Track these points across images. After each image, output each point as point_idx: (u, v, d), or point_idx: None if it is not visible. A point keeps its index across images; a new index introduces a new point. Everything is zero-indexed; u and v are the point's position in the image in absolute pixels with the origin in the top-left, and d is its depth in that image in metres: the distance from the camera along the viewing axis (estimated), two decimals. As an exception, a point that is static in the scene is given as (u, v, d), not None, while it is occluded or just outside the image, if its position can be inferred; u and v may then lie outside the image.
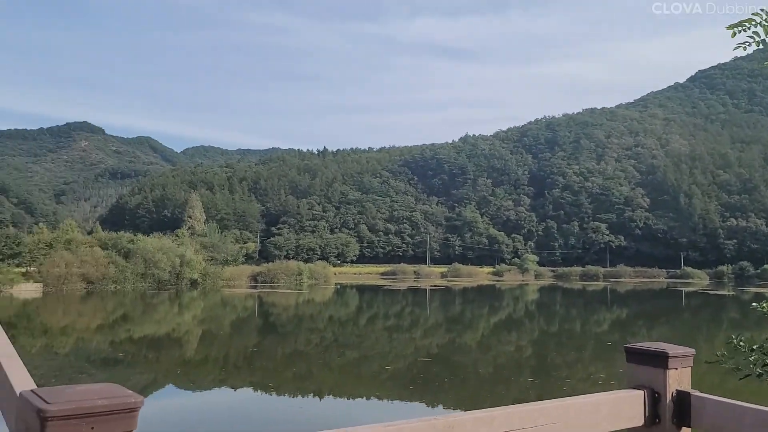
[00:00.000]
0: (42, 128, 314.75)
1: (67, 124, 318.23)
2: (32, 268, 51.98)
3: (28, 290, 48.87)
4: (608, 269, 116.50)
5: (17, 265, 51.84)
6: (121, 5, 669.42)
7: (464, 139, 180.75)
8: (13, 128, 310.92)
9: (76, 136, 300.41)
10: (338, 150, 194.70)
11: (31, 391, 1.03)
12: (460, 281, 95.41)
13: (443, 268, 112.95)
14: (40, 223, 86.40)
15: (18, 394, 1.09)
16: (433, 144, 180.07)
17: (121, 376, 19.82)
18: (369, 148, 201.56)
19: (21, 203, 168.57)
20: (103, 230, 76.92)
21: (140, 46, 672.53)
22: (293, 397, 17.47)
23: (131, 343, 27.57)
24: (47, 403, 0.96)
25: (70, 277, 50.74)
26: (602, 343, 29.33)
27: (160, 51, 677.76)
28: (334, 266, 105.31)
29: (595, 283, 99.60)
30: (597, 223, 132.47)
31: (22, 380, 1.26)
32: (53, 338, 27.48)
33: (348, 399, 17.65)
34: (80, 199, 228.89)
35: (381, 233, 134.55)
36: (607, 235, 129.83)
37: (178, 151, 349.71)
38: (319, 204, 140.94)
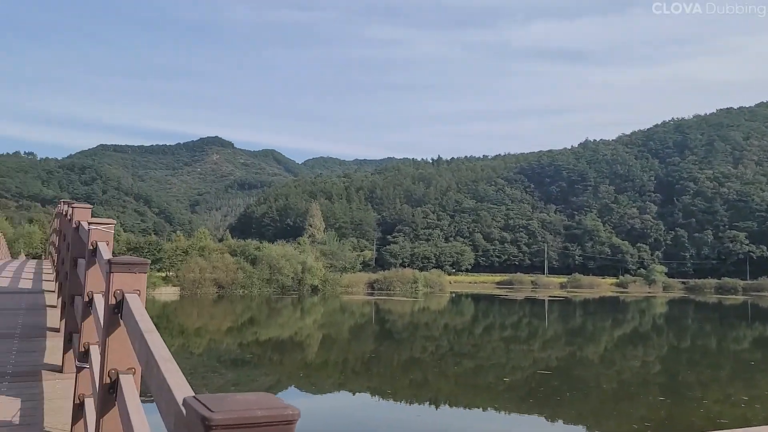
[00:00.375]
0: (179, 143, 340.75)
1: (201, 139, 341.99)
2: (171, 273, 56.12)
3: (167, 293, 52.90)
4: (749, 282, 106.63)
5: (158, 270, 56.20)
6: (244, 28, 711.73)
7: (584, 145, 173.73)
8: (155, 144, 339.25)
9: (208, 150, 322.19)
10: (452, 158, 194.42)
11: (194, 397, 1.05)
12: (581, 292, 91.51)
13: (562, 279, 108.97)
14: (178, 231, 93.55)
15: (182, 399, 1.21)
16: (550, 150, 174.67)
17: (248, 376, 20.95)
18: (483, 155, 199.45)
19: (161, 213, 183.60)
20: (232, 238, 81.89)
21: (262, 64, 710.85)
22: (410, 404, 17.59)
23: (257, 345, 29.03)
24: (211, 411, 0.97)
25: (203, 281, 54.34)
26: (743, 362, 26.95)
27: (281, 68, 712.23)
28: (449, 275, 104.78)
29: (733, 296, 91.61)
30: (735, 232, 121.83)
31: (179, 384, 1.40)
32: (189, 338, 29.51)
33: (465, 409, 17.50)
34: (212, 208, 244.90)
35: (496, 242, 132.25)
36: (747, 245, 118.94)
37: (300, 163, 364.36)
38: (433, 212, 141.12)
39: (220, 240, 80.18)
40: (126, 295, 2.32)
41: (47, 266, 16.42)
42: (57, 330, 6.69)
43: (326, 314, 47.69)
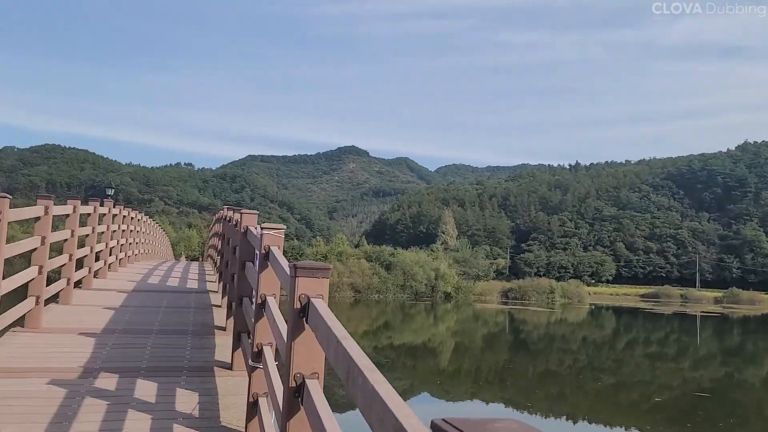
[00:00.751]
0: (319, 153, 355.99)
1: (338, 148, 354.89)
2: (311, 277, 58.71)
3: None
4: None
5: (299, 274, 58.94)
6: (381, 40, 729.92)
7: (743, 147, 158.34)
8: (297, 154, 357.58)
9: (345, 159, 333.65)
10: (591, 164, 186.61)
11: (445, 420, 0.96)
12: (739, 308, 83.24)
13: (717, 293, 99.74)
14: (317, 237, 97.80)
15: (401, 414, 1.19)
16: (702, 154, 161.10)
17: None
18: (626, 161, 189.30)
19: (302, 219, 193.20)
20: (368, 244, 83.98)
21: (397, 74, 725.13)
22: (545, 417, 17.08)
23: (392, 349, 29.49)
24: None
25: (341, 285, 56.18)
26: None
27: (416, 77, 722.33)
28: (588, 285, 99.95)
29: None
30: None
31: (392, 397, 1.35)
32: (328, 340, 30.57)
33: (606, 427, 16.66)
34: (348, 215, 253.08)
35: (640, 252, 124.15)
36: None
37: (432, 170, 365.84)
38: (571, 220, 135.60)
39: (356, 246, 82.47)
40: (312, 300, 2.38)
41: (207, 268, 17.75)
42: (223, 329, 7.15)
43: (459, 322, 47.55)
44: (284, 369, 2.55)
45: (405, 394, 19.03)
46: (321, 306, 2.27)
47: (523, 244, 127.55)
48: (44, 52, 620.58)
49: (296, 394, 2.39)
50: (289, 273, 2.67)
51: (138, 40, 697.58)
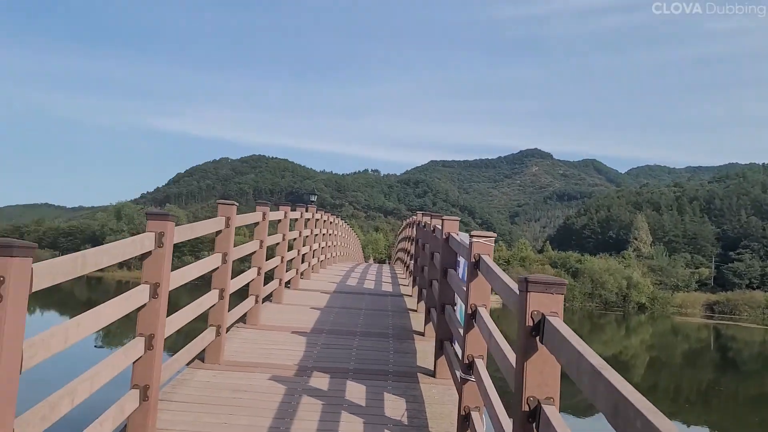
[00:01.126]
0: (500, 157, 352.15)
1: (520, 151, 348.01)
2: (495, 282, 58.39)
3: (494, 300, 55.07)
4: None
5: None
6: (568, 40, 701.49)
7: None
8: (478, 158, 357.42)
9: (527, 162, 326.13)
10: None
11: None
12: None
13: None
14: (499, 242, 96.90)
15: None
16: None
17: (568, 392, 20.36)
18: None
19: (484, 223, 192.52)
20: (552, 249, 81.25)
21: (584, 73, 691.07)
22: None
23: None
24: None
25: (526, 292, 55.22)
26: None
27: (604, 75, 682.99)
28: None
29: None
30: None
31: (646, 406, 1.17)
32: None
33: None
34: (531, 219, 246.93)
35: None
36: None
37: (622, 172, 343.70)
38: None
39: (540, 251, 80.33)
40: (547, 317, 2.20)
41: (398, 271, 18.27)
42: (422, 334, 7.21)
43: (655, 335, 44.52)
44: (515, 391, 2.40)
45: (592, 410, 18.05)
46: (561, 326, 2.08)
47: (731, 253, 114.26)
48: (251, 73, 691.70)
49: (530, 419, 2.23)
50: (517, 287, 2.51)
51: (325, 57, 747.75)
